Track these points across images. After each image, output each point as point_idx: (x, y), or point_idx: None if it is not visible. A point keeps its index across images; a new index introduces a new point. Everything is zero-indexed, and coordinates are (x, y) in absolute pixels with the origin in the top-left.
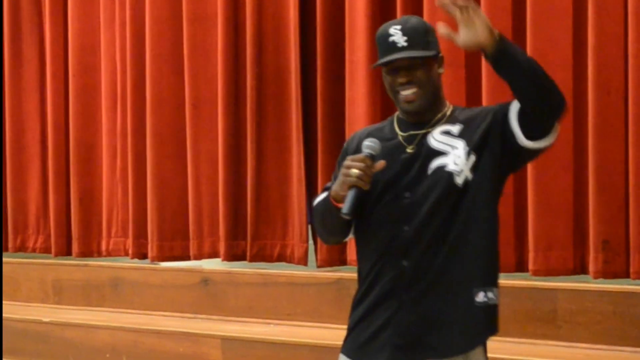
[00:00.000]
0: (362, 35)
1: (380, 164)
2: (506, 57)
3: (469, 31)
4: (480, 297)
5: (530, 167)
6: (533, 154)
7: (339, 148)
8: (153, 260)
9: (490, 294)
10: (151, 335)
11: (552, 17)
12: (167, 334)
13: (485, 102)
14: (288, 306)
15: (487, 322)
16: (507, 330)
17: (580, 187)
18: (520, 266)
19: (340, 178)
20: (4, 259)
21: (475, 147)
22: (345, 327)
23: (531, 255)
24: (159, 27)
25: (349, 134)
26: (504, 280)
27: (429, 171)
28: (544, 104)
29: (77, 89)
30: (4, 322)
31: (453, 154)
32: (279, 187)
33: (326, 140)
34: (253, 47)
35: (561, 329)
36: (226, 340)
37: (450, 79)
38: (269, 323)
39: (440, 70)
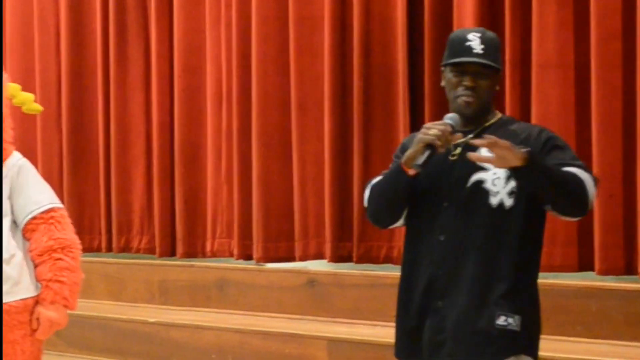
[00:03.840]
0: None
1: (457, 136)
2: (532, 175)
3: (501, 160)
4: (501, 320)
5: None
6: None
7: None
8: (258, 261)
9: (510, 320)
10: (257, 336)
11: None
12: (273, 335)
13: (594, 105)
14: (395, 308)
15: (505, 345)
16: (617, 333)
17: None
18: (630, 269)
19: (417, 137)
20: (111, 260)
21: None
22: None
23: None
24: (265, 27)
25: None
26: (614, 283)
27: (469, 183)
28: (564, 214)
29: (182, 90)
30: (111, 323)
31: (493, 172)
32: None
33: None
34: (360, 47)
35: None
36: (332, 342)
37: (560, 79)
38: (376, 325)
39: (497, 87)
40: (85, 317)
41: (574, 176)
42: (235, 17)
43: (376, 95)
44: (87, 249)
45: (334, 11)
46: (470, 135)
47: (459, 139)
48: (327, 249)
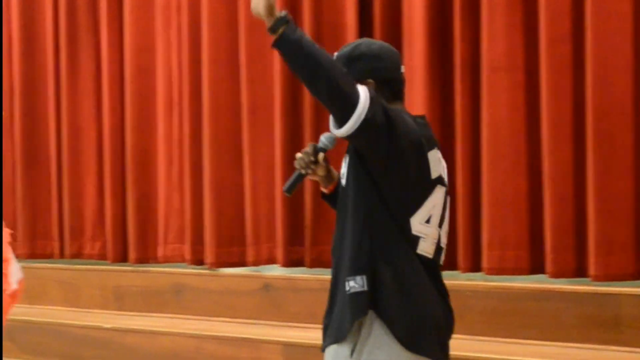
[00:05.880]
0: (420, 41)
1: (320, 156)
2: (282, 44)
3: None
4: (347, 286)
5: (590, 172)
6: (352, 143)
7: None
8: (210, 266)
9: (352, 283)
10: (212, 341)
11: (612, 20)
12: (228, 339)
13: (544, 107)
14: None
15: (353, 309)
16: (570, 335)
17: None
18: (581, 271)
19: None
20: (67, 266)
21: (348, 150)
22: None
23: (592, 260)
24: (216, 32)
25: None
26: (567, 285)
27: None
28: (321, 98)
29: (133, 94)
30: (66, 329)
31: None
32: None
33: None
34: None
35: (624, 334)
36: (287, 346)
37: (510, 82)
38: None
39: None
40: (40, 323)
41: (346, 74)
42: (186, 22)
43: None
44: (40, 254)
45: None
46: None
47: (322, 158)
48: (279, 253)
